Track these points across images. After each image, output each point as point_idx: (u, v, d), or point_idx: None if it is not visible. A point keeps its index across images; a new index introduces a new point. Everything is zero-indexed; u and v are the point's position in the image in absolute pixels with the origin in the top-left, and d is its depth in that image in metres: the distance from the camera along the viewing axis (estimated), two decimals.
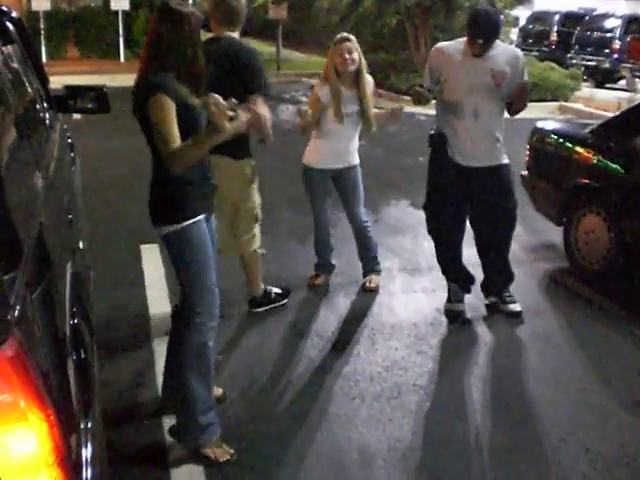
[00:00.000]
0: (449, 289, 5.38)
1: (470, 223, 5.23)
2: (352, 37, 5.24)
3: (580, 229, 6.00)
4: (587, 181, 5.91)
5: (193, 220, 3.41)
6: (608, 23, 21.67)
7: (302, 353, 4.70)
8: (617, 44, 20.60)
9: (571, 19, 23.66)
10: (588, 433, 3.90)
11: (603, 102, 15.72)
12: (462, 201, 5.09)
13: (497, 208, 5.05)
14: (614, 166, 5.66)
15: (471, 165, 4.96)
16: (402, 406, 4.08)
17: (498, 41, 4.86)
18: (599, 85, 20.25)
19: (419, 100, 4.99)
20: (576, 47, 21.88)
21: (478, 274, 5.38)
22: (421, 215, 7.77)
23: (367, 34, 20.76)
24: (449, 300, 5.36)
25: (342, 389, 4.28)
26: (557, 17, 24.28)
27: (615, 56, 20.53)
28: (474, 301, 5.44)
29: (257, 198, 4.95)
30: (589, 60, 21.15)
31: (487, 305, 5.37)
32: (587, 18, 22.89)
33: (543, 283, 5.84)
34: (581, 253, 6.02)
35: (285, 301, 5.37)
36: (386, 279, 5.81)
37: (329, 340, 4.89)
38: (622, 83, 20.26)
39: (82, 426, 2.13)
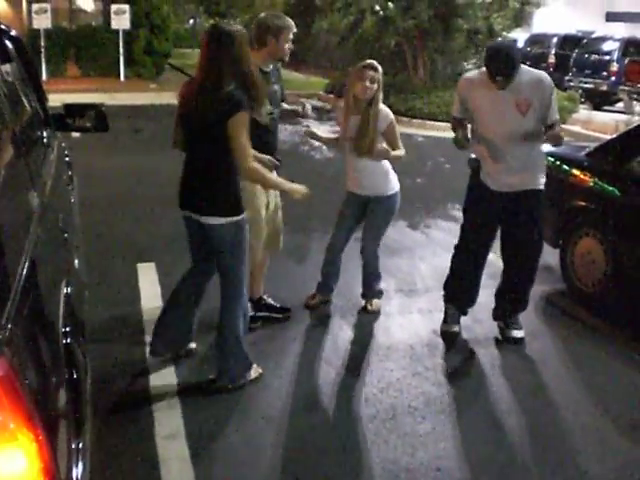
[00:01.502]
0: (446, 310, 5.37)
1: (501, 248, 5.21)
2: (379, 67, 5.20)
3: (576, 251, 6.02)
4: (583, 203, 5.93)
5: (244, 215, 4.21)
6: (606, 46, 21.77)
7: (296, 373, 4.69)
8: (615, 67, 20.70)
9: (569, 42, 23.78)
10: (586, 457, 3.89)
11: (601, 125, 15.80)
12: (493, 225, 5.09)
13: (523, 235, 5.03)
14: (610, 189, 5.68)
15: (500, 190, 4.95)
16: (397, 428, 4.07)
17: (524, 67, 4.79)
18: (597, 108, 20.34)
19: (462, 147, 5.04)
20: (574, 70, 21.97)
21: (480, 296, 5.36)
22: (418, 237, 7.85)
23: (366, 55, 20.77)
24: (445, 321, 5.35)
25: (336, 410, 4.27)
26: (555, 40, 24.41)
27: (613, 79, 20.62)
28: (470, 323, 5.44)
29: None
30: (587, 83, 21.24)
31: (500, 328, 5.34)
32: (585, 41, 23.01)
33: (539, 305, 5.84)
34: (577, 275, 6.02)
35: (279, 316, 5.40)
36: (382, 300, 5.80)
37: (324, 361, 4.87)
38: (620, 106, 20.35)
39: (73, 446, 2.12)
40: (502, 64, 4.62)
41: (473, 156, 5.20)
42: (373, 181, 5.39)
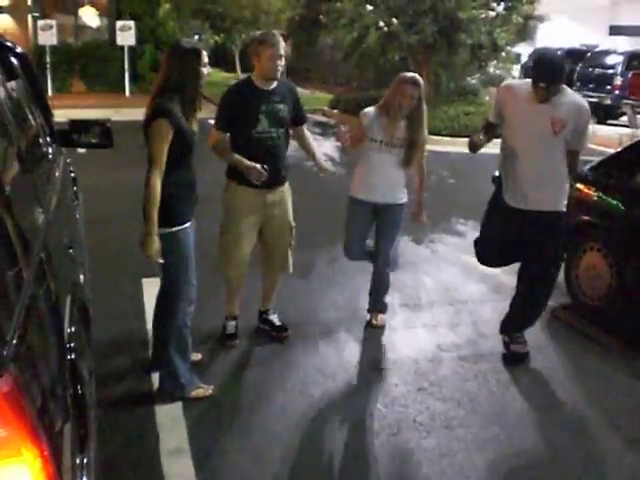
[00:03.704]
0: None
1: (520, 267, 5.17)
2: (420, 81, 5.23)
3: (581, 266, 6.01)
4: (588, 218, 5.93)
5: (182, 227, 4.23)
6: (610, 60, 21.82)
7: (301, 387, 4.69)
8: (619, 81, 20.75)
9: (573, 56, 23.80)
10: (592, 471, 3.88)
11: (605, 138, 15.79)
12: (511, 243, 5.06)
13: (543, 253, 4.98)
14: (615, 203, 5.68)
15: (521, 207, 4.91)
16: (402, 443, 4.06)
17: (568, 90, 4.80)
18: (601, 121, 20.32)
19: (473, 149, 5.03)
20: (578, 84, 22.00)
21: (485, 311, 5.36)
22: (422, 251, 7.86)
23: (370, 70, 21.01)
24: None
25: (341, 425, 4.26)
26: (559, 54, 24.44)
27: (617, 92, 20.67)
28: (474, 337, 5.43)
29: None
30: (591, 97, 21.16)
31: (505, 342, 5.33)
32: (589, 55, 23.06)
33: (544, 319, 5.82)
34: (582, 289, 6.02)
35: (275, 334, 5.41)
36: (387, 315, 5.79)
37: (329, 375, 4.87)
38: (624, 119, 20.34)
39: (77, 461, 2.12)
40: (547, 69, 4.61)
41: (497, 174, 5.20)
42: (395, 189, 5.38)
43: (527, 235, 4.95)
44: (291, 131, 5.16)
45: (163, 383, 4.47)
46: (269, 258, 5.27)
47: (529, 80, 4.78)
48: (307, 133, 5.33)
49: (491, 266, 5.55)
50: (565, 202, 4.96)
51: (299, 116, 5.20)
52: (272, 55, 4.75)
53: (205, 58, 4.23)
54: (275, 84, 4.95)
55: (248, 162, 4.80)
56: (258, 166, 4.75)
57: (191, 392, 4.43)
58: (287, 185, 5.22)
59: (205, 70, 4.21)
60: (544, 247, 4.96)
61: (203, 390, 4.49)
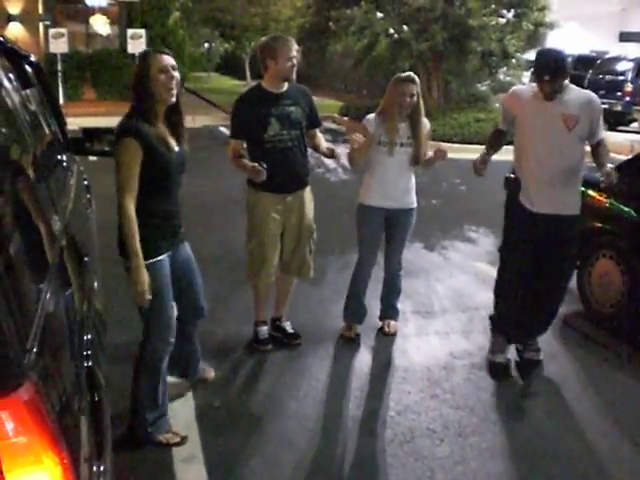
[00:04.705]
0: (494, 339, 5.29)
1: (536, 270, 5.06)
2: (417, 79, 5.18)
3: (593, 272, 6.00)
4: (600, 224, 5.91)
5: (154, 260, 3.74)
6: (620, 66, 21.77)
7: (313, 395, 4.69)
8: (629, 87, 20.70)
9: (583, 62, 23.77)
10: (601, 478, 3.87)
11: (616, 145, 15.74)
12: (534, 248, 4.96)
13: (558, 259, 4.95)
14: (627, 209, 5.67)
15: (537, 211, 4.84)
16: (415, 450, 4.05)
17: (572, 86, 4.82)
18: (611, 128, 20.28)
19: (479, 171, 5.01)
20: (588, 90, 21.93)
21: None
22: (434, 258, 7.85)
23: (380, 78, 20.99)
24: (492, 351, 5.27)
25: (354, 432, 4.26)
26: (569, 60, 24.43)
27: (627, 99, 20.62)
28: (487, 345, 5.42)
29: None
30: (602, 103, 21.17)
31: (518, 350, 5.32)
32: (599, 61, 23.01)
33: (557, 326, 5.80)
34: (594, 296, 6.01)
35: (287, 341, 5.41)
36: (399, 322, 5.79)
37: (341, 383, 4.87)
38: (634, 126, 20.33)
39: (94, 469, 2.13)
40: (551, 62, 4.63)
41: (510, 175, 5.16)
42: (406, 194, 5.36)
43: (545, 240, 4.88)
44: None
45: (130, 424, 4.02)
46: (288, 262, 5.25)
47: (533, 84, 4.81)
48: (320, 135, 5.30)
49: (514, 280, 5.12)
50: (580, 204, 4.94)
51: (314, 119, 5.19)
52: (288, 54, 4.79)
53: (163, 62, 3.67)
54: (286, 87, 4.96)
55: (249, 164, 4.77)
56: (256, 165, 4.70)
57: (158, 437, 3.99)
58: (308, 189, 5.21)
59: (163, 77, 3.65)
60: (561, 252, 4.93)
61: (172, 436, 4.03)
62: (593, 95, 4.90)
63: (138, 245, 3.60)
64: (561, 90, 4.71)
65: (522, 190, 4.93)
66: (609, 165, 4.71)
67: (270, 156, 4.84)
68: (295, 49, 4.84)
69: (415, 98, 5.14)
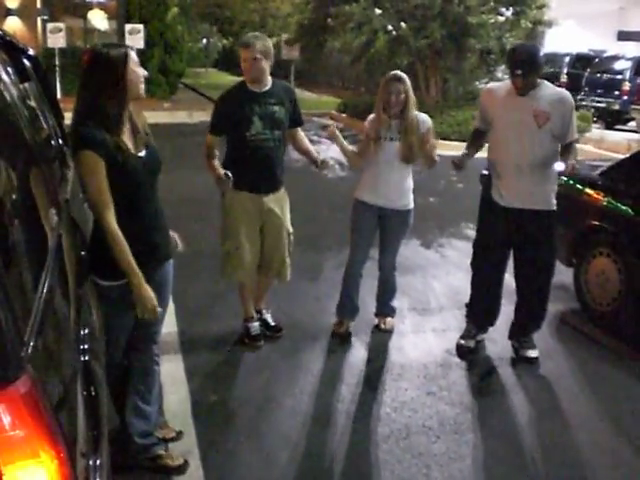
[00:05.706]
0: (467, 327, 5.42)
1: (514, 268, 5.18)
2: (405, 78, 5.14)
3: (590, 270, 6.01)
4: (597, 223, 5.92)
5: (123, 281, 3.25)
6: (618, 65, 21.78)
7: (309, 391, 4.69)
8: (627, 86, 20.70)
9: (581, 61, 23.82)
10: (601, 477, 3.87)
11: (613, 144, 15.78)
12: (505, 243, 5.08)
13: (534, 255, 5.01)
14: (624, 208, 5.67)
15: (509, 206, 4.93)
16: (411, 447, 4.06)
17: (547, 83, 4.86)
18: (609, 127, 20.32)
19: (456, 168, 5.01)
20: (586, 89, 21.99)
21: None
22: (431, 255, 7.85)
23: (378, 75, 20.91)
24: (462, 337, 5.39)
25: (350, 429, 4.26)
26: (567, 59, 24.47)
27: (625, 98, 20.63)
28: (484, 343, 5.42)
29: None
30: (599, 102, 21.25)
31: (514, 348, 5.34)
32: (597, 60, 23.04)
33: (553, 324, 5.82)
34: (591, 294, 6.01)
35: (269, 334, 5.41)
36: (396, 319, 5.79)
37: (338, 379, 4.87)
38: (632, 125, 20.33)
39: (91, 462, 2.13)
40: (523, 56, 4.68)
41: (485, 172, 5.22)
42: (402, 193, 5.32)
43: (519, 235, 4.99)
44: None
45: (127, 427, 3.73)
46: (266, 264, 5.20)
47: (508, 81, 4.88)
48: (302, 134, 5.27)
49: (485, 272, 5.30)
50: (555, 201, 4.98)
51: (296, 118, 5.14)
52: (245, 58, 4.72)
53: (135, 57, 3.37)
54: (269, 86, 4.90)
55: (218, 171, 4.71)
56: (222, 175, 4.65)
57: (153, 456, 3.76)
58: (283, 190, 5.15)
59: (138, 70, 3.38)
60: (538, 248, 5.00)
61: (167, 431, 3.97)
62: (566, 93, 4.94)
63: (132, 259, 3.19)
64: (534, 86, 4.77)
65: (493, 185, 4.98)
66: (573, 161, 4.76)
67: (250, 155, 4.82)
68: (257, 51, 4.68)
69: (403, 96, 5.12)
